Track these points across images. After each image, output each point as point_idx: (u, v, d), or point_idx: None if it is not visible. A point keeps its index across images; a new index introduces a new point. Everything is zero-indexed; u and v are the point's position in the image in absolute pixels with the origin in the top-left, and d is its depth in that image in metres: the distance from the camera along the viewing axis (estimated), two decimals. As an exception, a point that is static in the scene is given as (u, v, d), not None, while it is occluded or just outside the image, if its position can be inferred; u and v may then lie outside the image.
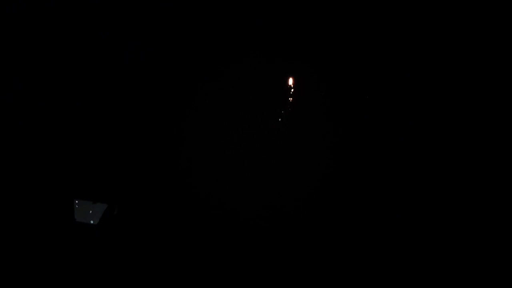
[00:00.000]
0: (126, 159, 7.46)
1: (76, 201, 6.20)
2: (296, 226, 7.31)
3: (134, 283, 6.26)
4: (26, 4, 8.52)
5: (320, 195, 7.66)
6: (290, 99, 8.68)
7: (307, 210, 7.53)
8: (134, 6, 8.42)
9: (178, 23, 8.52)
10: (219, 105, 8.46)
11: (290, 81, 8.69)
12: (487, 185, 7.30)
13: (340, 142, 8.24)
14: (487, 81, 7.62)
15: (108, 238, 6.32)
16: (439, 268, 6.80)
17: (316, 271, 6.84)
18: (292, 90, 8.70)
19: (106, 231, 6.27)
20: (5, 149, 7.58)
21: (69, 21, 8.50)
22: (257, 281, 6.64)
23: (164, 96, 8.23)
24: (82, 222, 6.18)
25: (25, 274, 6.12)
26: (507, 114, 7.56)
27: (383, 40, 8.02)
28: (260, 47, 8.48)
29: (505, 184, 7.30)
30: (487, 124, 7.60)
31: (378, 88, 8.21)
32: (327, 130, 8.39)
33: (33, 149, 7.61)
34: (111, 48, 8.45)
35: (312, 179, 7.82)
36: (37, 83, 8.31)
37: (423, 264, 6.82)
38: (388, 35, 7.99)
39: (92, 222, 6.22)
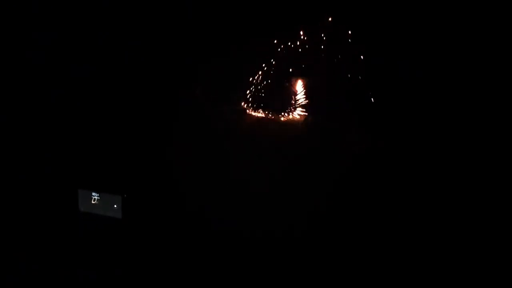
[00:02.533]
0: (131, 151, 7.35)
1: (80, 191, 6.05)
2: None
3: (138, 272, 6.09)
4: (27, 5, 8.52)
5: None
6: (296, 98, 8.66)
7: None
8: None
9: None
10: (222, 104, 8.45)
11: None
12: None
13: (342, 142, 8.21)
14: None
15: (113, 229, 6.18)
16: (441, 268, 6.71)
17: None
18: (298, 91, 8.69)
19: (111, 222, 6.13)
20: (13, 141, 7.46)
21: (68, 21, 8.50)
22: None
23: (169, 93, 8.18)
24: (86, 212, 6.03)
25: (31, 263, 5.95)
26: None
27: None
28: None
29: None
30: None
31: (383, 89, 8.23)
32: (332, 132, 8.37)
33: (38, 142, 7.51)
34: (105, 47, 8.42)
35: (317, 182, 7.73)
36: (40, 80, 8.26)
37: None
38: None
39: (96, 212, 6.06)
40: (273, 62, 8.57)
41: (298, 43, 8.57)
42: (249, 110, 8.61)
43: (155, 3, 8.47)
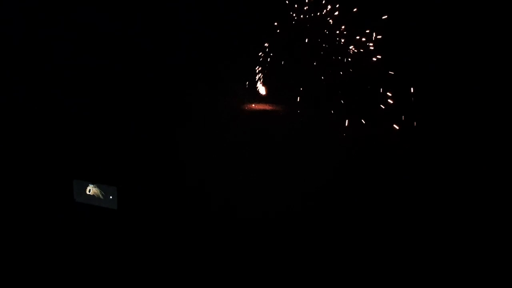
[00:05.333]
0: (126, 142, 7.32)
1: (75, 182, 5.97)
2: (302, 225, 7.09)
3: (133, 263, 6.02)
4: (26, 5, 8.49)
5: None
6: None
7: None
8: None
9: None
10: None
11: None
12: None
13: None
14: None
15: (109, 220, 6.11)
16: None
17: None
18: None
19: (106, 212, 6.05)
20: (9, 134, 7.45)
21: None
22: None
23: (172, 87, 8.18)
24: (82, 203, 5.95)
25: (28, 255, 5.88)
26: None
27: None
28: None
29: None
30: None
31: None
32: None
33: (35, 133, 7.50)
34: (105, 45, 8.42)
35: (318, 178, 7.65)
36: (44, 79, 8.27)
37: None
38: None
39: (91, 203, 5.97)
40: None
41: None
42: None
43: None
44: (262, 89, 8.67)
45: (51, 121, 7.87)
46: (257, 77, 8.66)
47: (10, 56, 8.31)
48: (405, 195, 7.32)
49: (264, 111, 8.66)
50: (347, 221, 7.09)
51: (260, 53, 8.60)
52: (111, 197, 5.88)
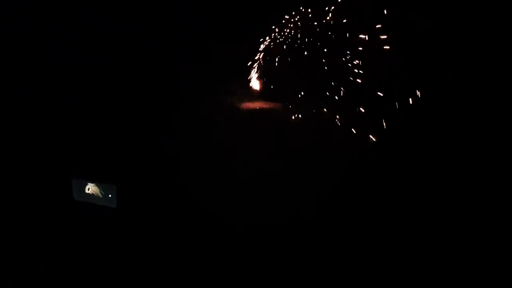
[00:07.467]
0: (125, 141, 7.31)
1: (74, 180, 5.95)
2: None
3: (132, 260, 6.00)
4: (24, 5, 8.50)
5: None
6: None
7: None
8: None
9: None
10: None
11: None
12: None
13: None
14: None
15: (108, 218, 6.09)
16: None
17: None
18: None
19: (105, 211, 6.03)
20: (8, 132, 7.45)
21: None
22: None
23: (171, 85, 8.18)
24: (81, 201, 5.93)
25: (27, 253, 5.86)
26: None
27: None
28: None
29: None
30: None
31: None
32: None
33: (34, 132, 7.49)
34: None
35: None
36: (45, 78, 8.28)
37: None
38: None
39: (90, 201, 5.96)
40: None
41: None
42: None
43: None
44: (260, 88, 8.67)
45: (51, 121, 7.87)
46: (257, 77, 8.67)
47: (10, 56, 8.30)
48: (407, 196, 7.29)
49: (265, 111, 8.67)
50: (346, 221, 7.07)
51: (260, 54, 8.62)
52: (110, 195, 5.89)
